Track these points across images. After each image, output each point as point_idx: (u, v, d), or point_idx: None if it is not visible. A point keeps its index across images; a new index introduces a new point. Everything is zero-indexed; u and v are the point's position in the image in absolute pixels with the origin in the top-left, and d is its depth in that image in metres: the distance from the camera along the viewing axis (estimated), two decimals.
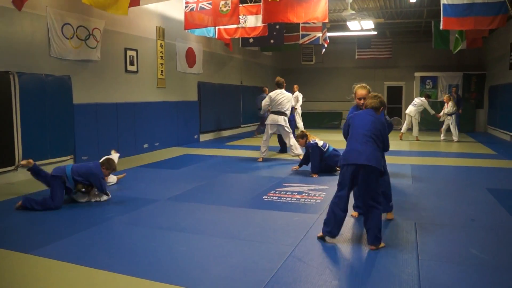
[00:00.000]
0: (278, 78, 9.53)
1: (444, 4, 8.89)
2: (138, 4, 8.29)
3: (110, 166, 5.78)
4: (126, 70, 10.07)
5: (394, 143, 12.50)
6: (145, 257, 3.78)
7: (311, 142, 7.61)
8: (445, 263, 3.62)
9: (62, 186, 5.45)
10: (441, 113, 13.31)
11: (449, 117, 13.12)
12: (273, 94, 9.25)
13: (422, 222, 4.78)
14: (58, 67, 8.10)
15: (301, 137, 7.78)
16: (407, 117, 13.67)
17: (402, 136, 13.53)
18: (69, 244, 4.16)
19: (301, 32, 13.87)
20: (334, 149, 7.68)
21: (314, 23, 13.24)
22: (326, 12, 9.08)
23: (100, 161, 5.90)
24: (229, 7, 9.67)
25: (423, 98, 13.49)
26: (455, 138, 12.96)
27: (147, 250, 3.95)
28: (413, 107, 13.42)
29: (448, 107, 13.08)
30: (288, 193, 6.22)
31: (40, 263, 3.67)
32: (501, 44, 14.79)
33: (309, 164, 7.71)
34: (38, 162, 7.44)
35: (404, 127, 13.86)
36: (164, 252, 3.91)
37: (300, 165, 7.99)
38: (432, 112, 13.39)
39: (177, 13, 11.60)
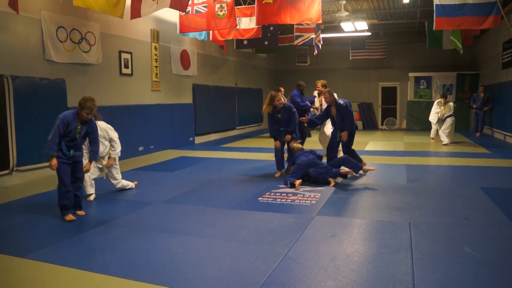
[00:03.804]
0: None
1: (436, 5, 8.97)
2: (139, 16, 8.34)
3: (82, 106, 5.17)
4: (121, 73, 10.06)
5: (389, 144, 12.59)
6: (141, 260, 3.78)
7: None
8: (439, 262, 3.65)
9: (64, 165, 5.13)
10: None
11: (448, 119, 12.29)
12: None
13: (416, 222, 4.81)
14: (52, 70, 8.09)
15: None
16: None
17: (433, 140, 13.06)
18: (64, 248, 4.16)
19: (295, 34, 13.90)
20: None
21: (307, 24, 13.28)
22: (319, 13, 9.13)
23: None
24: (225, 10, 9.72)
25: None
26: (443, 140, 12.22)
27: (142, 253, 3.95)
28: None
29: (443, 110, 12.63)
30: (283, 194, 6.23)
31: (35, 267, 3.67)
32: (493, 44, 14.88)
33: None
34: (32, 166, 7.54)
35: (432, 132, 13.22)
36: (160, 254, 3.91)
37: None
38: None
39: (172, 15, 11.61)
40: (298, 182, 6.63)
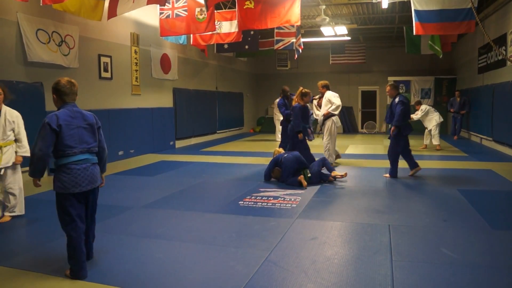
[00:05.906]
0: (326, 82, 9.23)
1: (415, 10, 9.14)
2: (115, 15, 8.29)
3: None
4: (100, 77, 9.96)
5: (369, 147, 12.72)
6: (120, 265, 3.73)
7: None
8: (418, 263, 3.70)
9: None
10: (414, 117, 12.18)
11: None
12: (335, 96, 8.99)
13: (395, 224, 4.86)
14: (30, 74, 7.96)
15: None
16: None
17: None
18: (41, 254, 4.07)
19: (275, 38, 13.96)
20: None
21: (288, 28, 13.36)
22: (298, 15, 9.19)
23: None
24: (205, 14, 9.73)
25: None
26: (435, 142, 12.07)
27: (121, 258, 3.90)
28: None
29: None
30: (264, 198, 6.24)
31: (10, 274, 3.59)
32: (469, 49, 15.21)
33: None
34: None
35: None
36: (139, 259, 3.87)
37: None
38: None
39: (152, 19, 11.55)
40: (300, 177, 6.96)
